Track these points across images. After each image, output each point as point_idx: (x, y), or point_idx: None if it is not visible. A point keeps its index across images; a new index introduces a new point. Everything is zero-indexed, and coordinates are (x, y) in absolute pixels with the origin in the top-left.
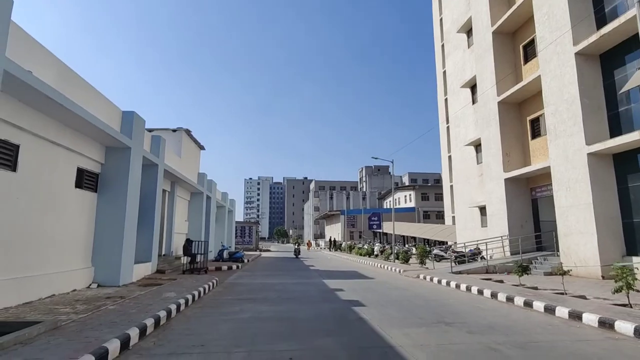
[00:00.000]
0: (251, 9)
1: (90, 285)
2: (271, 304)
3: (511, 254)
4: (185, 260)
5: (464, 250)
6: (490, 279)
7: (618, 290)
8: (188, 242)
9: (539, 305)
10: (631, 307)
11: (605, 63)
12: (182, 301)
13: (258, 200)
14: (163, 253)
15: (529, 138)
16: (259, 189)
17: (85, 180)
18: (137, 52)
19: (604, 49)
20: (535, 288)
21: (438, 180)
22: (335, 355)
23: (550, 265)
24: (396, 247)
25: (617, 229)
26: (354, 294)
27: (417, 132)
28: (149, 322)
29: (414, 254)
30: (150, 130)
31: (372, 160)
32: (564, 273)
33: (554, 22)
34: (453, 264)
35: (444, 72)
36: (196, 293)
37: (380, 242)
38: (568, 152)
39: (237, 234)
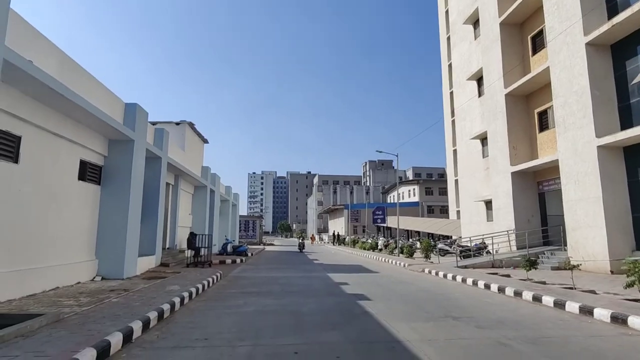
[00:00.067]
0: (256, 3)
1: (94, 278)
2: (275, 298)
3: (517, 249)
4: (189, 253)
5: (469, 244)
6: (496, 274)
7: (630, 285)
8: (192, 236)
9: (548, 300)
10: None
11: (616, 53)
12: (186, 294)
13: (261, 194)
14: (167, 246)
15: (537, 131)
16: (262, 183)
17: (88, 172)
18: (141, 46)
19: (616, 39)
20: (544, 282)
21: (442, 175)
22: (342, 350)
23: (557, 259)
24: (400, 242)
25: (627, 223)
26: (359, 288)
27: (422, 126)
28: (153, 315)
29: (418, 248)
30: (153, 124)
31: (376, 154)
32: (573, 267)
33: (564, 12)
34: (458, 258)
35: (450, 65)
36: (200, 286)
37: (384, 237)
38: (577, 144)
39: (241, 227)
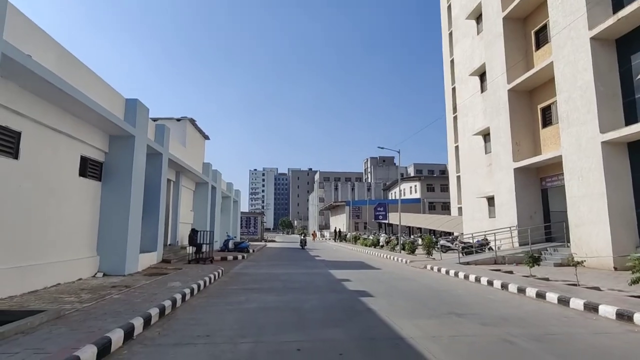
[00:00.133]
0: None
1: (95, 274)
2: (277, 294)
3: (520, 245)
4: (190, 250)
5: (471, 241)
6: (499, 270)
7: (635, 282)
8: (193, 232)
9: (552, 297)
10: None
11: (621, 48)
12: (187, 291)
13: (263, 191)
14: (168, 243)
15: (540, 127)
16: (263, 180)
17: (89, 168)
18: (141, 43)
19: (621, 34)
20: (547, 279)
21: (444, 171)
22: (345, 347)
23: (560, 256)
24: (402, 238)
25: (631, 219)
26: (361, 285)
27: (423, 123)
28: (154, 311)
29: (420, 245)
30: (154, 120)
31: (377, 151)
32: (577, 264)
33: (568, 6)
34: (460, 254)
35: (452, 61)
36: (202, 282)
37: (385, 233)
38: (581, 140)
39: (242, 224)
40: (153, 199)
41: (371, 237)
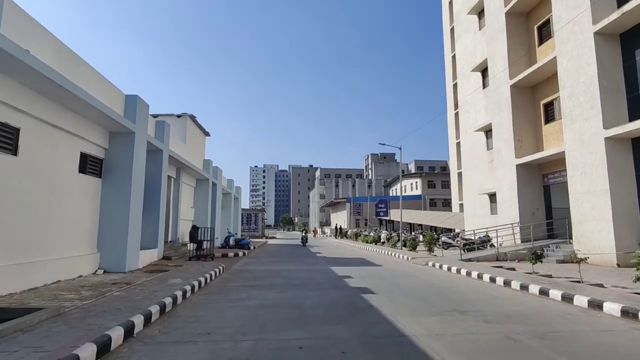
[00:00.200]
0: None
1: (96, 271)
2: (278, 291)
3: (522, 242)
4: (191, 246)
5: (473, 237)
6: (501, 267)
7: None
8: (194, 229)
9: (555, 294)
10: None
11: (625, 43)
12: (188, 288)
13: (264, 187)
14: (169, 239)
15: (542, 123)
16: (264, 176)
17: (89, 165)
18: (141, 41)
19: (625, 28)
20: (549, 276)
21: (444, 168)
22: (347, 345)
23: (563, 252)
24: (403, 235)
25: (634, 215)
26: (363, 281)
27: (424, 119)
28: (154, 309)
29: (421, 242)
30: (154, 116)
31: (378, 148)
32: (580, 261)
33: (572, 0)
34: (462, 251)
35: (453, 56)
36: (202, 279)
37: (386, 230)
38: (584, 136)
39: (243, 221)
40: (153, 195)
41: (372, 234)
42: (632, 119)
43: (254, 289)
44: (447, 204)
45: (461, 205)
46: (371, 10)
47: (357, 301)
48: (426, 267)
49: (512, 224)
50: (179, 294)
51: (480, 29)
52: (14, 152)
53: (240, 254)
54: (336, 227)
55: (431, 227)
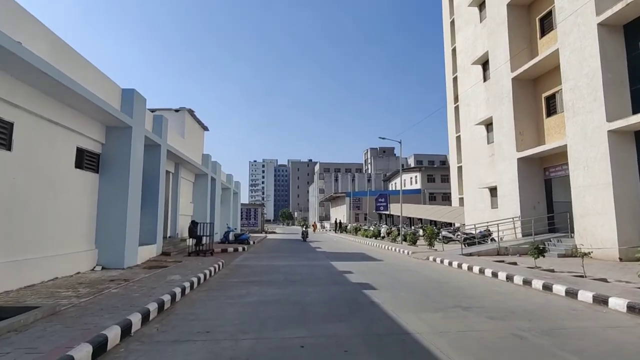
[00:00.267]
0: None
1: (94, 267)
2: (278, 287)
3: (523, 236)
4: (190, 242)
5: (473, 231)
6: (503, 261)
7: None
8: (193, 224)
9: (559, 289)
10: None
11: (629, 34)
12: (187, 284)
13: (263, 182)
14: (168, 235)
15: (544, 116)
16: (263, 171)
17: (85, 160)
18: (139, 37)
19: (629, 19)
20: (552, 270)
21: (444, 162)
22: (349, 343)
23: (564, 247)
24: (403, 229)
25: (637, 209)
26: (364, 277)
27: (424, 113)
28: (152, 306)
29: (421, 236)
30: (152, 111)
31: (377, 142)
32: (584, 255)
33: None
34: (463, 245)
35: (454, 49)
36: (201, 276)
37: (386, 224)
38: (587, 129)
39: (242, 216)
40: (152, 190)
41: (372, 228)
42: (635, 111)
43: (253, 285)
44: (446, 198)
45: (461, 199)
46: (371, 3)
47: (358, 297)
48: (427, 261)
49: (513, 218)
50: (178, 290)
51: (481, 21)
52: (8, 147)
53: (240, 249)
54: (336, 221)
55: (431, 221)
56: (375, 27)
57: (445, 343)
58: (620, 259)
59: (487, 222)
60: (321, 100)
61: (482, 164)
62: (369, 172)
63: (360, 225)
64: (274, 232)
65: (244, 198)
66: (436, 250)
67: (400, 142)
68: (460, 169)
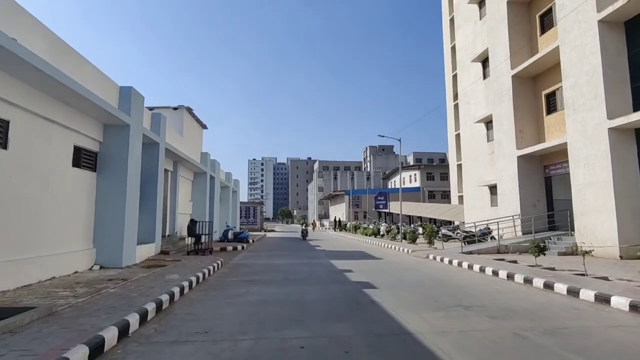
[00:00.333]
0: None
1: (92, 267)
2: (278, 286)
3: (523, 234)
4: (189, 240)
5: (473, 229)
6: (503, 260)
7: None
8: (192, 223)
9: (560, 288)
10: None
11: (630, 31)
12: (185, 284)
13: (262, 180)
14: (167, 234)
15: (544, 113)
16: (262, 169)
17: (83, 159)
18: (139, 35)
19: (630, 15)
20: (553, 269)
21: (443, 160)
22: (350, 344)
23: (565, 245)
24: (403, 227)
25: (638, 207)
26: (364, 275)
27: (423, 111)
28: (150, 307)
29: (420, 234)
30: (150, 109)
31: (377, 140)
32: (585, 253)
33: None
34: (463, 243)
35: (453, 47)
36: (200, 275)
37: (385, 222)
38: (587, 127)
39: (241, 214)
40: (150, 189)
41: (371, 227)
42: (636, 109)
43: (253, 284)
44: (445, 196)
45: (460, 197)
46: (371, 1)
47: (358, 296)
48: (427, 260)
49: (512, 216)
50: (176, 290)
51: (480, 19)
52: (4, 145)
53: (239, 247)
54: (335, 219)
55: (430, 219)
56: (375, 24)
57: (446, 343)
58: (621, 257)
59: (487, 220)
60: (321, 98)
61: (481, 161)
62: (368, 170)
63: (360, 224)
64: (273, 231)
65: (243, 196)
66: (436, 248)
67: (399, 140)
68: (459, 166)
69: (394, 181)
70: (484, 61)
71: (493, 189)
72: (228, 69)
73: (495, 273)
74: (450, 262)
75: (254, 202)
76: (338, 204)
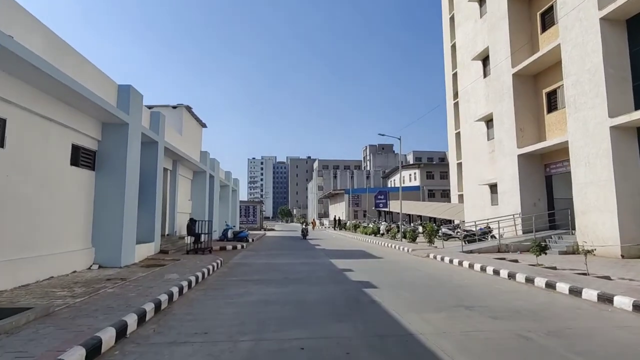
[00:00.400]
0: None
1: (91, 266)
2: (278, 286)
3: (523, 233)
4: (189, 240)
5: (473, 228)
6: (504, 259)
7: None
8: (192, 222)
9: (562, 287)
10: None
11: (632, 29)
12: (184, 283)
13: (261, 179)
14: (166, 233)
15: (545, 112)
16: (262, 168)
17: (81, 157)
18: (138, 34)
19: (632, 13)
20: (554, 268)
21: (443, 159)
22: (351, 345)
23: (565, 244)
24: (403, 226)
25: (639, 206)
26: (364, 275)
27: (423, 110)
28: (149, 307)
29: (420, 233)
30: (149, 107)
31: (376, 139)
32: (587, 252)
33: None
34: (463, 242)
35: (453, 45)
36: (200, 274)
37: (385, 221)
38: (588, 125)
39: (241, 213)
40: (149, 188)
41: (371, 225)
42: (638, 107)
43: (252, 284)
44: (445, 195)
45: (460, 196)
46: None
47: (359, 296)
48: (427, 259)
49: (513, 215)
50: (175, 290)
51: (481, 17)
52: (0, 144)
53: (239, 246)
54: (335, 218)
55: (430, 218)
56: (375, 23)
57: (449, 344)
58: (622, 256)
59: (487, 219)
60: (321, 96)
61: (482, 160)
62: (368, 169)
63: (360, 223)
64: (273, 230)
65: (243, 195)
66: (436, 247)
67: (399, 139)
68: (459, 165)
69: (394, 180)
70: (485, 59)
71: (493, 187)
72: (228, 67)
73: (496, 272)
74: (451, 261)
75: (253, 201)
76: (338, 203)
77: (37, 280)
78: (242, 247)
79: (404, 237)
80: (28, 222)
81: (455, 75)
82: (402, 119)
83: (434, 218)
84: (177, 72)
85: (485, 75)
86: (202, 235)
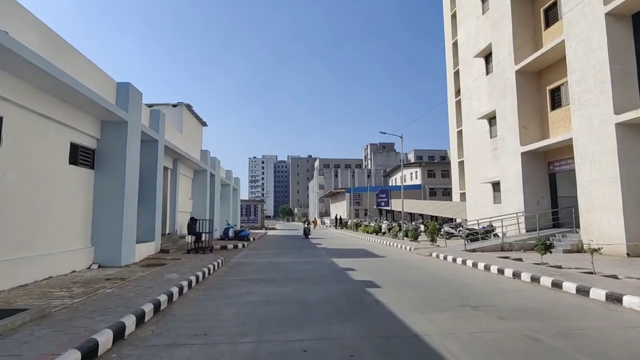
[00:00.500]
0: None
1: (90, 266)
2: (279, 285)
3: (527, 231)
4: (189, 239)
5: (476, 227)
6: (507, 257)
7: None
8: (192, 221)
9: (569, 286)
10: None
11: (638, 24)
12: (184, 283)
13: (263, 178)
14: (167, 232)
15: (548, 109)
16: (263, 167)
17: (80, 156)
18: (138, 34)
19: (638, 8)
20: (559, 267)
21: (444, 157)
22: (355, 347)
23: (570, 242)
24: (405, 225)
25: None
26: (366, 274)
27: (424, 108)
28: (148, 308)
29: (422, 232)
30: (149, 106)
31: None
32: (594, 251)
33: None
34: (466, 241)
35: (455, 42)
36: (200, 274)
37: (387, 220)
38: (593, 122)
39: (242, 212)
40: (149, 187)
41: (373, 224)
42: None
43: (253, 284)
44: (447, 194)
45: (462, 195)
46: None
47: (362, 296)
48: (430, 258)
49: (516, 213)
50: (175, 290)
51: (483, 13)
52: None
53: (240, 245)
54: (336, 217)
55: (431, 216)
56: (376, 21)
57: (455, 346)
58: (628, 255)
59: (490, 218)
60: (321, 95)
61: (484, 158)
62: (369, 167)
63: (361, 221)
64: (274, 229)
65: (244, 194)
66: (438, 246)
67: (401, 137)
68: (461, 164)
69: (395, 179)
70: (487, 56)
71: (496, 185)
72: (228, 67)
73: (500, 271)
74: (454, 260)
75: (254, 200)
76: (339, 202)
77: (35, 280)
78: (243, 246)
79: (406, 235)
80: (26, 222)
81: (456, 73)
82: (403, 117)
83: (436, 217)
84: (177, 72)
85: (487, 72)
86: (203, 235)
